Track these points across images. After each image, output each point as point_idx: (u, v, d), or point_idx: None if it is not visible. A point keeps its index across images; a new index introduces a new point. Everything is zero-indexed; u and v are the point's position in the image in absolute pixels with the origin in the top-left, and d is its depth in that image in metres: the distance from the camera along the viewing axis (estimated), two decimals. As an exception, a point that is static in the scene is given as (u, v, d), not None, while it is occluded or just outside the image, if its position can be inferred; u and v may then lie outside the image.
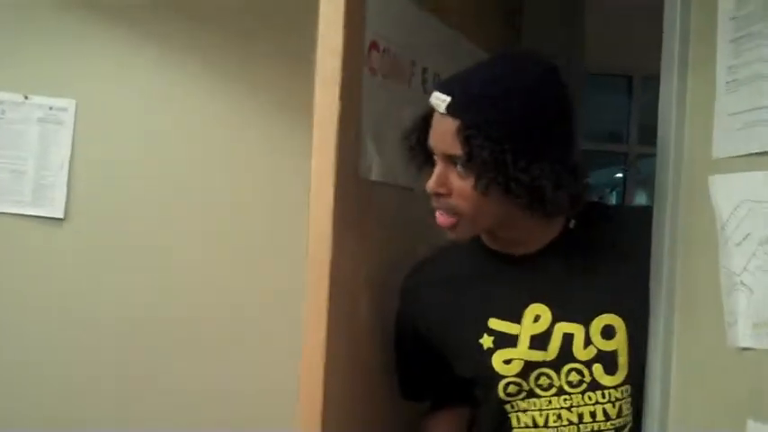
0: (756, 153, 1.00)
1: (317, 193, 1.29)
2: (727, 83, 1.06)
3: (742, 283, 1.00)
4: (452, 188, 1.21)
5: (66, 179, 2.08)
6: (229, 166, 2.12)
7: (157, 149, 2.12)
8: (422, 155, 1.27)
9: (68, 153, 2.08)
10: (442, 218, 1.24)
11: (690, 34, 1.15)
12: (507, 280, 1.30)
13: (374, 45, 1.40)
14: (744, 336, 0.99)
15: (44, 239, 2.08)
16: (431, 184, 1.22)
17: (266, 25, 2.07)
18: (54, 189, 2.08)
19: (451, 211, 1.22)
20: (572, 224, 1.29)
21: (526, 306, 1.27)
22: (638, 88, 5.01)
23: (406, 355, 1.46)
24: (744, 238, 1.00)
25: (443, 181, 1.21)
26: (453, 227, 1.24)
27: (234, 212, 2.12)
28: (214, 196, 2.12)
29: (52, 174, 2.08)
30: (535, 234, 1.28)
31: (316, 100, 1.29)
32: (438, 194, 1.22)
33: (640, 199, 5.25)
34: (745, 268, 1.00)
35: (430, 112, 1.24)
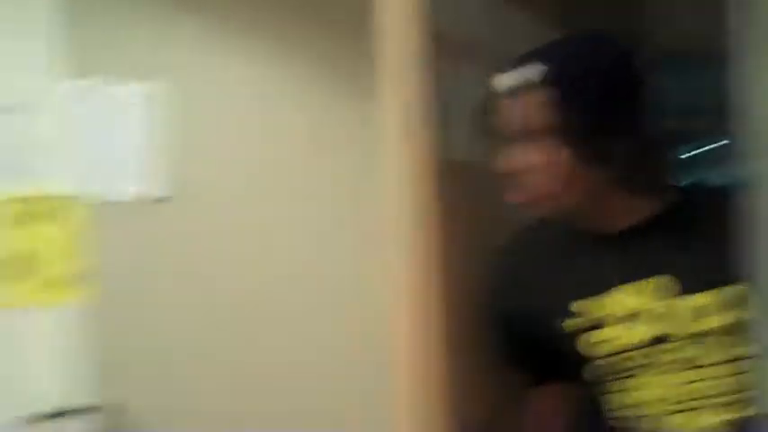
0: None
1: (402, 179, 1.27)
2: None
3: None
4: (534, 164, 1.20)
5: (164, 162, 2.18)
6: (324, 152, 2.20)
7: (253, 134, 2.22)
8: (494, 135, 1.26)
9: (163, 137, 2.18)
10: (520, 195, 1.23)
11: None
12: (598, 259, 1.27)
13: (443, 29, 1.36)
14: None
15: (148, 221, 2.19)
16: (513, 162, 1.21)
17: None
18: (155, 172, 2.19)
19: (534, 187, 1.21)
20: (667, 205, 1.26)
21: (620, 284, 1.23)
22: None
23: (496, 319, 1.41)
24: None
25: (525, 158, 1.20)
26: (534, 203, 1.23)
27: (326, 197, 2.21)
28: (306, 181, 2.21)
29: (149, 157, 2.18)
30: (622, 211, 1.26)
31: (386, 88, 1.26)
32: (518, 172, 1.21)
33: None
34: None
35: (498, 92, 1.23)
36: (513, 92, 1.22)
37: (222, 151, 2.22)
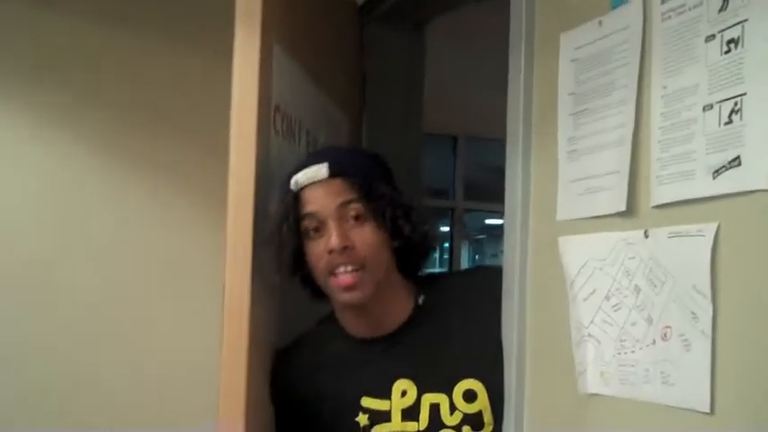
0: (595, 216, 1.11)
1: (235, 251, 1.31)
2: (568, 152, 1.16)
3: (589, 335, 1.10)
4: (354, 240, 1.28)
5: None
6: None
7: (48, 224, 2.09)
8: (296, 235, 1.32)
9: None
10: (347, 278, 1.28)
11: (533, 108, 1.25)
12: (372, 360, 1.38)
13: (277, 108, 1.44)
14: (592, 383, 1.09)
15: None
16: (336, 240, 1.26)
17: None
18: None
19: (359, 263, 1.28)
20: (421, 300, 1.40)
21: (392, 382, 1.35)
22: (462, 147, 5.33)
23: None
24: (590, 294, 1.10)
25: (346, 234, 1.28)
26: (356, 285, 1.29)
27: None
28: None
29: None
30: (394, 309, 1.38)
31: (233, 160, 1.32)
32: (344, 249, 1.27)
33: (465, 250, 5.49)
34: (592, 321, 1.10)
35: (297, 189, 1.32)
36: (320, 181, 1.30)
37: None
